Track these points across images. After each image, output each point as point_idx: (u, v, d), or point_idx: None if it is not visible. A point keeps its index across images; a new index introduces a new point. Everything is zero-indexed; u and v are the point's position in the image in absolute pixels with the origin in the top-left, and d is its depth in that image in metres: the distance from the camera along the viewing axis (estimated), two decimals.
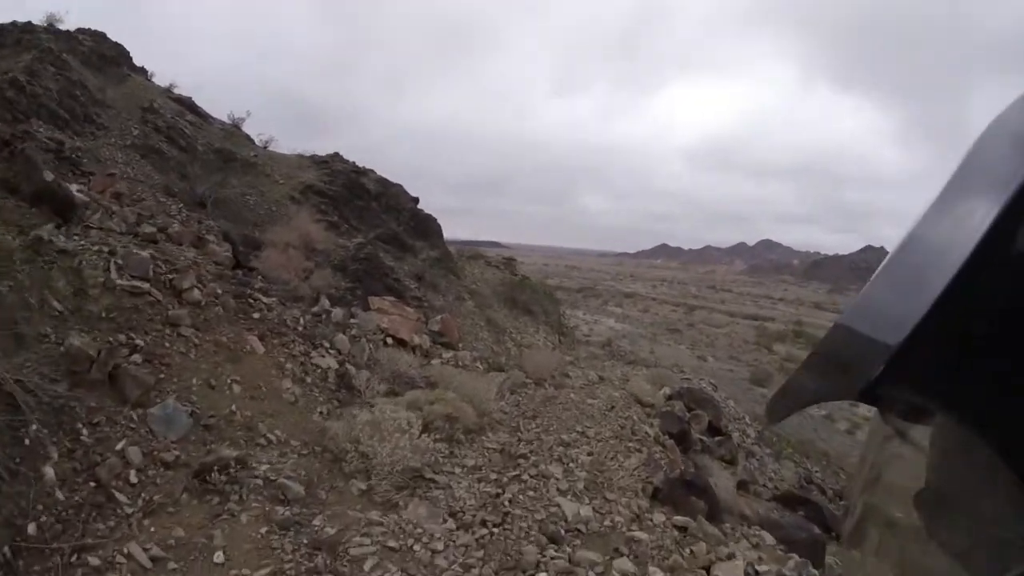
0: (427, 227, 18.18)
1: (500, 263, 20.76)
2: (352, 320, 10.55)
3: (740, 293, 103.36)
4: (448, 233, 19.85)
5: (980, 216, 0.39)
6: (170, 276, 7.96)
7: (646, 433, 8.80)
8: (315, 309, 10.25)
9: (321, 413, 7.50)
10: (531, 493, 6.38)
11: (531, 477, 6.67)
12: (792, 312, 77.04)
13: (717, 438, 14.39)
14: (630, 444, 7.90)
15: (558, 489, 6.48)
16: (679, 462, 9.09)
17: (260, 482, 5.74)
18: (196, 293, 7.90)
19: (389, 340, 10.76)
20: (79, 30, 16.59)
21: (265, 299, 9.17)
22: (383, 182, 18.07)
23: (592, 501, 6.41)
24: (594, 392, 11.13)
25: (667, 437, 9.77)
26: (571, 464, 7.07)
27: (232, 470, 5.72)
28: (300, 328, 9.07)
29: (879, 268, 0.51)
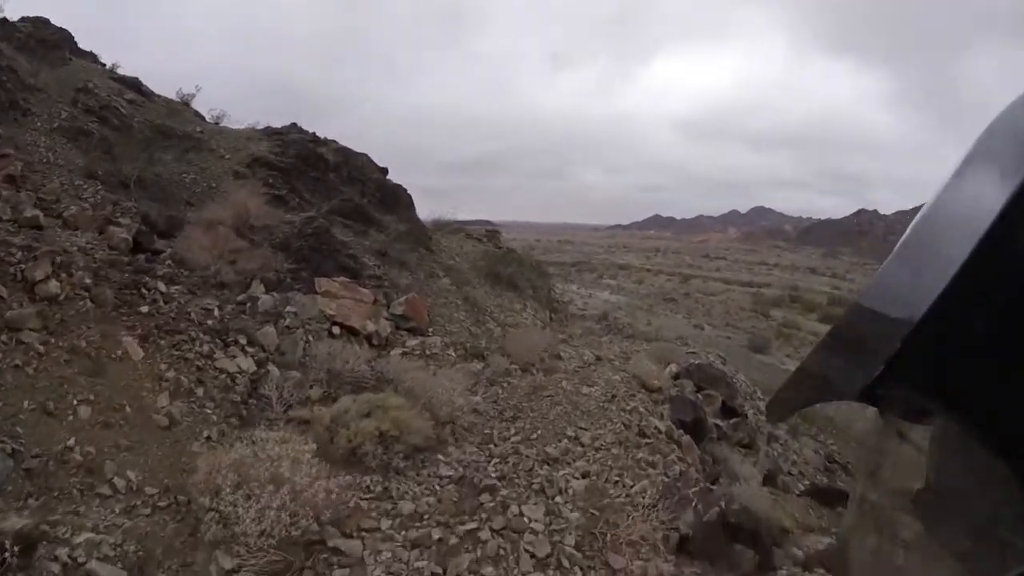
0: (396, 198, 16.13)
1: (482, 236, 18.80)
2: (288, 308, 8.60)
3: (734, 260, 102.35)
4: (438, 214, 18.26)
5: (980, 217, 0.39)
6: (22, 266, 5.98)
7: (656, 429, 7.02)
8: (241, 297, 8.30)
9: (208, 439, 5.58)
10: (490, 569, 4.34)
11: (495, 533, 4.66)
12: (787, 277, 76.37)
13: (732, 420, 12.72)
14: (639, 454, 6.04)
15: (533, 555, 4.46)
16: (696, 460, 7.31)
17: (58, 569, 3.75)
18: (53, 285, 5.94)
19: (336, 329, 8.84)
20: (22, 18, 15.82)
21: (165, 288, 7.23)
22: (344, 152, 16.01)
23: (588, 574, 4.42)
24: (590, 377, 9.30)
25: (681, 432, 7.97)
26: (558, 499, 5.18)
27: (11, 554, 3.60)
28: (210, 323, 7.13)
29: (880, 269, 0.50)
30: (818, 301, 51.51)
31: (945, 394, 0.41)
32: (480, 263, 15.61)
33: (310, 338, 8.07)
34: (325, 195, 14.14)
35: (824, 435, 17.50)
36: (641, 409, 7.78)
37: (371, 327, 9.28)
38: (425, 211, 17.77)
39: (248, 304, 8.33)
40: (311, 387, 6.95)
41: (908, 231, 0.48)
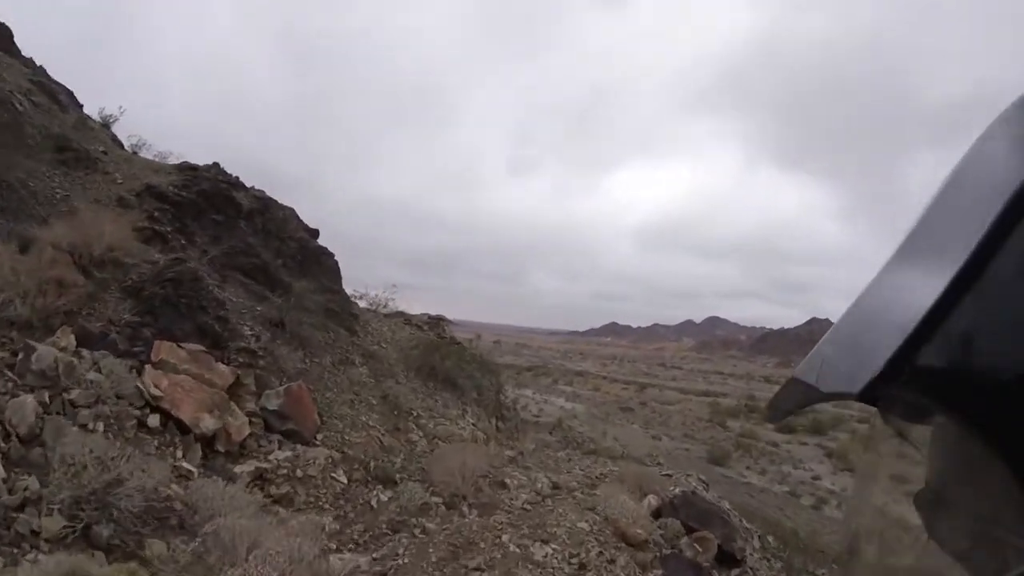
0: (318, 263, 13.14)
1: (424, 323, 15.78)
2: (90, 375, 5.42)
3: (690, 370, 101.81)
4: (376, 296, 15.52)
5: (980, 218, 0.39)
6: None
7: None
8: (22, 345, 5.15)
9: None
10: None
11: None
12: (743, 387, 75.84)
13: (734, 572, 9.66)
14: None
15: None
16: None
17: None
18: None
19: (154, 420, 5.65)
20: None
21: None
22: (265, 200, 13.10)
23: None
24: (545, 523, 6.27)
25: None
26: None
27: None
28: None
29: (879, 271, 0.51)
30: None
31: (945, 394, 0.41)
32: (413, 352, 12.52)
33: (98, 427, 4.89)
34: (225, 243, 11.18)
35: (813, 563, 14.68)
36: None
37: (210, 424, 6.11)
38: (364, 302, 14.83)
39: (20, 357, 5.18)
40: (47, 514, 3.78)
41: (905, 236, 0.49)
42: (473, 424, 11.37)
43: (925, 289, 0.41)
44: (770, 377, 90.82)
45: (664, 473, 12.30)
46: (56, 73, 15.68)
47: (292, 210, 13.92)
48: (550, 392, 55.95)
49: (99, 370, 5.83)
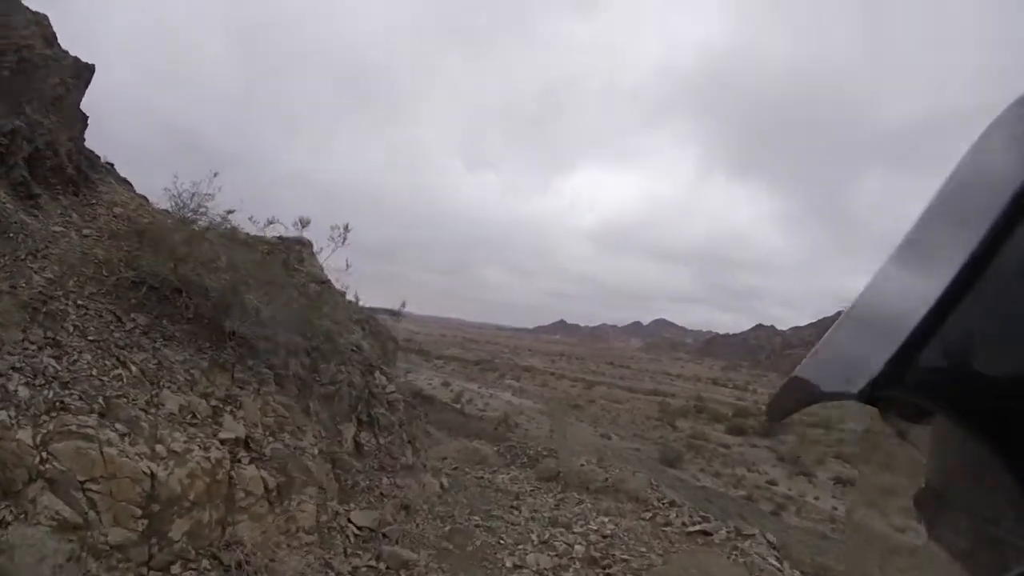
0: None
1: (274, 244, 8.93)
2: None
3: (638, 369, 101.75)
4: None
5: (980, 219, 0.39)
6: None
7: None
8: None
9: None
10: None
11: None
12: (691, 388, 75.80)
13: None
14: None
15: None
16: None
17: None
18: None
19: None
20: None
21: None
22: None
23: None
24: None
25: None
26: None
27: None
28: None
29: (877, 272, 0.51)
30: (724, 412, 50.26)
31: (944, 394, 0.41)
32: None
33: None
34: None
35: None
36: None
37: None
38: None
39: None
40: None
41: (905, 236, 0.49)
42: (313, 441, 6.46)
43: (925, 290, 0.40)
44: (717, 379, 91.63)
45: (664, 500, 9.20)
46: None
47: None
48: (497, 387, 53.86)
49: None
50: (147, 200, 8.21)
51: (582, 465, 10.47)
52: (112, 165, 8.58)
